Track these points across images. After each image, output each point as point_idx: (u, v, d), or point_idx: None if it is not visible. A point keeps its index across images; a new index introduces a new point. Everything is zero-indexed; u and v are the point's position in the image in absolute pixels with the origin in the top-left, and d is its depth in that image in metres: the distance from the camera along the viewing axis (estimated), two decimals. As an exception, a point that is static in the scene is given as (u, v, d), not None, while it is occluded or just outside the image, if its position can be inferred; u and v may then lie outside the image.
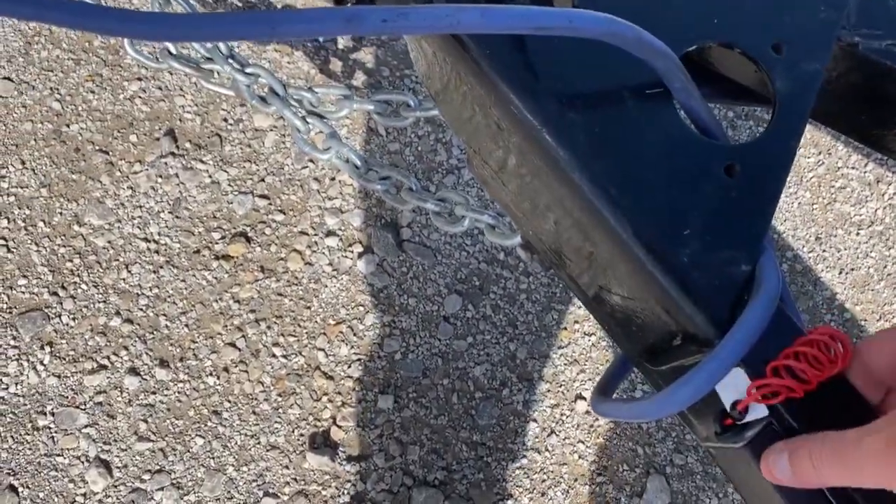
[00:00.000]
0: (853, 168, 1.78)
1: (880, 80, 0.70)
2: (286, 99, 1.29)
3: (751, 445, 0.59)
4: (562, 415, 1.53)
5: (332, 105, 1.28)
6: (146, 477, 1.40)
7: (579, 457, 1.51)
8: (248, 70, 1.26)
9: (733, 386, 0.58)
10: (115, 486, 1.39)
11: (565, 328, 1.58)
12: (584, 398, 1.54)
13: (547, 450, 1.51)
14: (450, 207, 1.18)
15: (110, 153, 1.56)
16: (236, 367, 1.48)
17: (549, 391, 1.54)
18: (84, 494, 1.38)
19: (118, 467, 1.40)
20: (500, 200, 0.85)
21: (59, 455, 1.40)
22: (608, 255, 0.65)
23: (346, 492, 1.43)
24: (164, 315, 1.49)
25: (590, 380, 1.56)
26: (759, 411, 0.57)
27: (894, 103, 0.73)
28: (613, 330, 0.78)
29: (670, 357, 0.68)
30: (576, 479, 1.50)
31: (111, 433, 1.42)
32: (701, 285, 0.57)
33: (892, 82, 0.71)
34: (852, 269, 1.73)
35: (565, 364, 1.56)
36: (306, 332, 1.52)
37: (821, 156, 1.78)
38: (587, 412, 1.54)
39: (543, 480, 1.49)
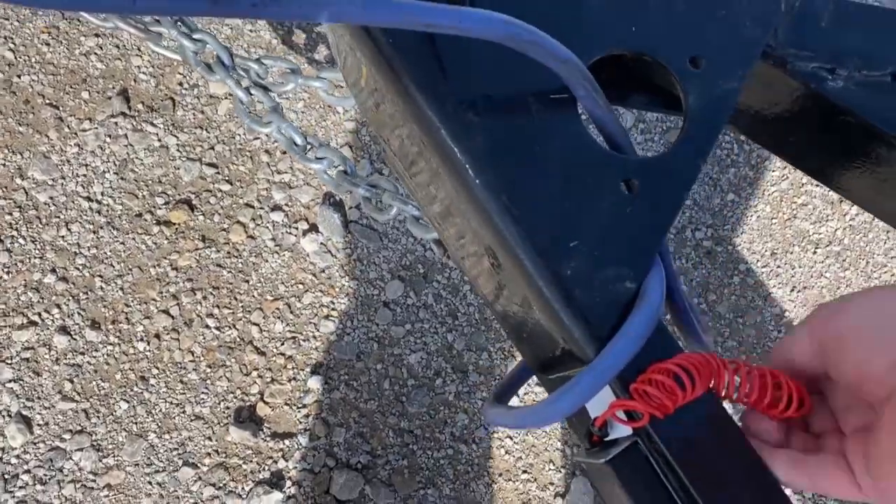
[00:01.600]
0: (817, 186, 1.73)
1: (810, 104, 0.66)
2: (232, 69, 1.25)
3: (612, 462, 0.57)
4: (492, 409, 1.51)
5: (279, 78, 1.24)
6: (66, 437, 1.39)
7: (506, 452, 1.49)
8: (196, 36, 1.22)
9: (602, 403, 0.56)
10: (35, 444, 1.38)
11: (505, 323, 1.55)
12: (517, 394, 1.51)
13: (474, 442, 1.49)
14: (380, 194, 1.15)
15: (60, 108, 1.52)
16: (168, 334, 1.45)
17: (482, 384, 1.52)
18: (2, 448, 1.37)
19: (39, 424, 1.39)
20: (412, 194, 0.82)
21: (-20, 408, 1.38)
22: (499, 262, 0.62)
23: (266, 468, 1.42)
24: (100, 276, 1.46)
25: (524, 377, 1.53)
26: (625, 430, 0.54)
27: (828, 131, 0.69)
28: (511, 335, 0.75)
29: (557, 367, 0.65)
30: (500, 474, 1.48)
31: (35, 390, 1.40)
32: (583, 300, 0.54)
33: (818, 106, 0.67)
34: (805, 288, 1.69)
35: (501, 359, 1.53)
36: (242, 306, 1.49)
37: (785, 170, 1.73)
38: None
39: (467, 472, 1.47)
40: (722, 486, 0.52)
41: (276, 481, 1.41)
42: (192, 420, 1.42)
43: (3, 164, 1.48)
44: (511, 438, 1.50)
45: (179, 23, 1.26)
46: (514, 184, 0.58)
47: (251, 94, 1.24)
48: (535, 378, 0.69)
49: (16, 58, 1.53)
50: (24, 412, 1.38)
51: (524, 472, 1.49)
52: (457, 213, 0.67)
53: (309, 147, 1.21)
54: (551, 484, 1.49)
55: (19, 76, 1.53)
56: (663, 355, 0.53)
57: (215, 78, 1.23)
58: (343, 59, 0.74)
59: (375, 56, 0.59)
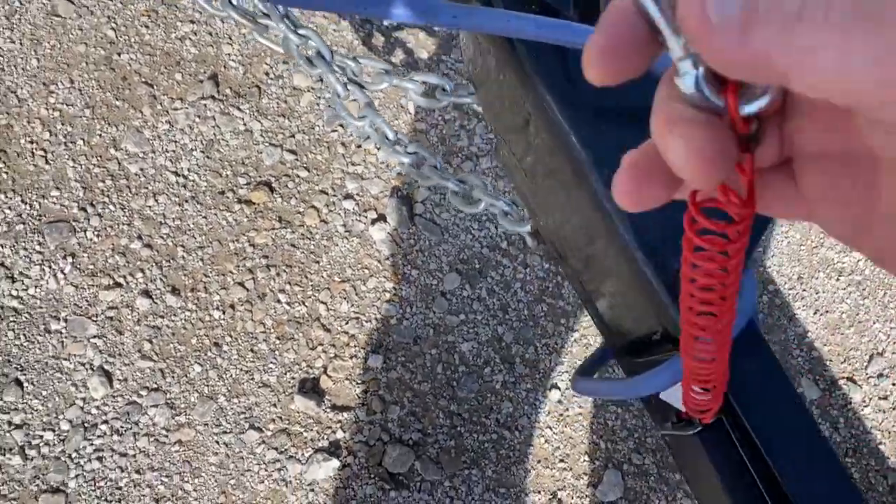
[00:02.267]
0: (845, 217, 1.85)
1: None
2: (331, 64, 1.35)
3: (700, 435, 0.68)
4: (536, 400, 1.61)
5: (371, 77, 1.34)
6: (143, 393, 1.48)
7: (545, 441, 1.60)
8: (301, 31, 1.32)
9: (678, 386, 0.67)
10: (114, 397, 1.47)
11: (552, 321, 1.65)
12: (559, 388, 1.62)
13: (517, 429, 1.59)
14: (468, 189, 1.25)
15: (154, 87, 1.62)
16: (242, 305, 1.55)
17: (527, 376, 1.62)
18: (84, 399, 1.45)
19: (119, 379, 1.48)
20: (519, 189, 0.92)
21: (65, 359, 1.47)
22: (610, 256, 0.73)
23: (325, 437, 1.51)
24: (182, 246, 1.56)
25: (566, 372, 1.64)
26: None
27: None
28: (602, 323, 0.86)
29: (648, 351, 0.76)
30: (539, 461, 1.58)
31: (117, 347, 1.49)
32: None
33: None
34: (826, 312, 1.81)
35: (546, 353, 1.64)
36: (312, 285, 1.59)
37: (817, 201, 1.85)
38: (559, 401, 1.62)
39: (509, 457, 1.57)
40: (793, 460, 0.63)
41: (333, 450, 1.51)
42: (259, 387, 1.52)
43: (100, 135, 1.58)
44: (551, 429, 1.61)
45: (286, 18, 1.37)
46: None
47: (347, 90, 1.35)
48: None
49: (117, 36, 1.63)
50: (106, 367, 1.48)
51: (561, 461, 1.59)
52: (571, 211, 0.78)
53: (398, 142, 1.31)
54: (585, 474, 1.59)
55: (119, 54, 1.62)
56: (754, 346, 0.64)
57: (315, 72, 1.33)
58: (473, 54, 0.85)
59: (514, 62, 0.70)
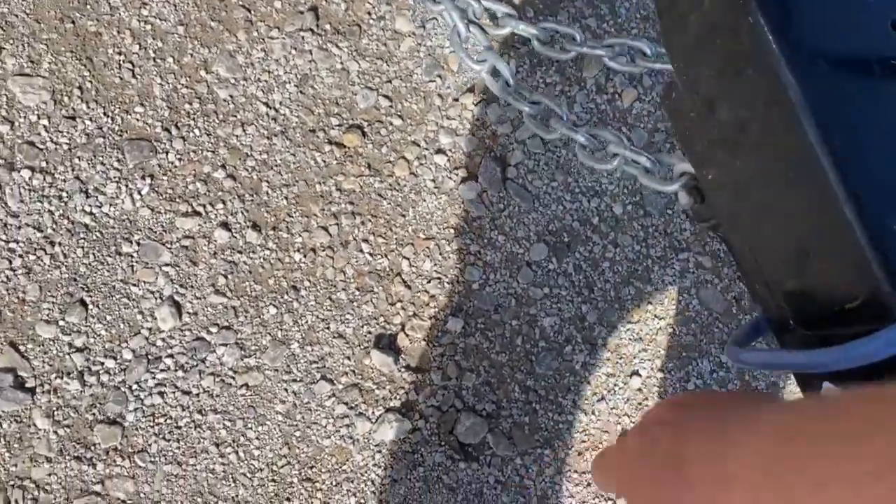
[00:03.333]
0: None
1: None
2: (455, 1, 1.26)
3: None
4: (615, 385, 1.53)
5: (493, 21, 1.25)
6: (213, 329, 1.38)
7: (622, 429, 1.51)
8: (431, -37, 1.23)
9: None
10: (182, 330, 1.37)
11: (638, 306, 1.57)
12: (640, 375, 1.54)
13: (594, 413, 1.50)
14: (602, 143, 1.16)
15: (252, 12, 1.53)
16: (324, 251, 1.45)
17: (608, 360, 1.53)
18: (150, 329, 1.36)
19: (189, 313, 1.38)
20: (689, 140, 0.83)
21: (134, 285, 1.37)
22: (808, 211, 0.64)
23: (398, 397, 1.42)
24: (267, 182, 1.46)
25: (649, 360, 1.55)
26: None
27: None
28: (766, 292, 0.77)
29: (832, 323, 0.67)
30: (612, 449, 1.50)
31: (190, 279, 1.39)
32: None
33: None
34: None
35: (630, 339, 1.55)
36: (396, 238, 1.50)
37: None
38: (639, 389, 1.53)
39: (583, 441, 1.49)
40: None
41: (405, 412, 1.42)
42: (334, 337, 1.42)
43: (191, 55, 1.48)
44: (629, 416, 1.52)
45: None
46: (851, 136, 0.60)
47: (469, 31, 1.26)
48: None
49: (217, -45, 1.53)
50: (177, 298, 1.38)
51: (635, 450, 1.51)
52: (768, 160, 0.69)
53: (520, 90, 1.22)
54: (658, 467, 1.51)
55: (219, -27, 1.53)
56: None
57: (438, 8, 1.24)
58: None
59: None
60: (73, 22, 1.44)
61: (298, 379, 1.39)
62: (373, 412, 1.40)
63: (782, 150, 0.64)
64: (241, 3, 1.52)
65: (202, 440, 1.34)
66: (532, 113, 1.26)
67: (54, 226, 1.35)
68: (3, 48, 1.40)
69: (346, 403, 1.40)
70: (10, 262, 1.32)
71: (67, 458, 1.28)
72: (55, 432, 1.28)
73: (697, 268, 1.61)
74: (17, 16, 1.42)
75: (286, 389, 1.38)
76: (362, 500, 1.38)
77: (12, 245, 1.33)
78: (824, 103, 0.60)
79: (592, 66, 1.64)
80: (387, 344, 1.44)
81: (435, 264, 1.50)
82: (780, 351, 0.79)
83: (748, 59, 0.63)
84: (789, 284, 0.76)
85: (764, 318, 0.81)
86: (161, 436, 1.32)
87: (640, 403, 1.53)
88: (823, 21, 0.61)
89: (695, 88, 0.79)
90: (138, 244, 1.38)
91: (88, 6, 1.46)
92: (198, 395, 1.35)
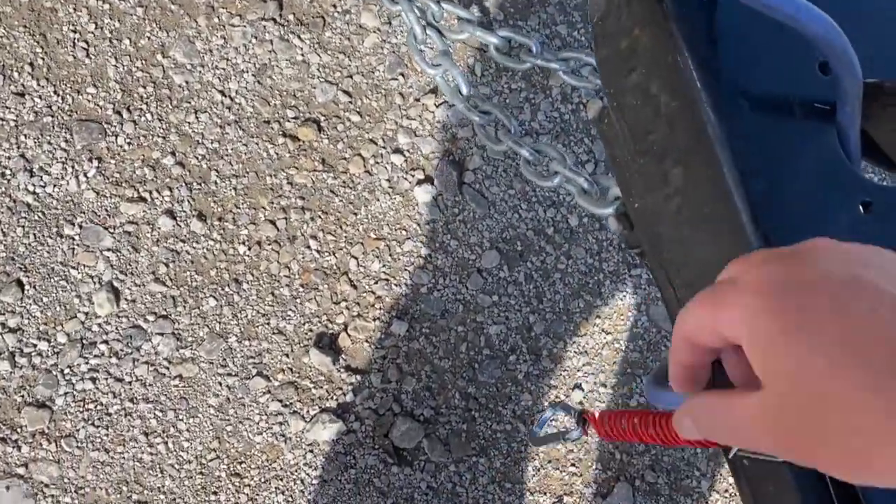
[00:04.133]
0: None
1: None
2: (413, 2, 1.24)
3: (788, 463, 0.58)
4: (557, 397, 1.51)
5: (451, 25, 1.23)
6: (150, 318, 1.36)
7: (560, 442, 1.50)
8: (389, -38, 1.20)
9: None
10: (118, 317, 1.35)
11: (587, 319, 1.55)
12: (583, 388, 1.52)
13: (533, 424, 1.49)
14: (545, 160, 1.14)
15: (214, -3, 1.50)
16: (270, 245, 1.43)
17: (552, 371, 1.52)
18: (87, 313, 1.34)
19: (127, 300, 1.36)
20: (619, 165, 0.81)
21: (74, 268, 1.35)
22: (721, 245, 0.62)
23: (334, 398, 1.41)
24: (217, 171, 1.44)
25: (593, 374, 1.54)
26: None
27: None
28: None
29: None
30: (549, 461, 1.49)
31: (130, 265, 1.37)
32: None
33: None
34: None
35: (575, 352, 1.54)
36: (345, 237, 1.48)
37: None
38: (580, 402, 1.52)
39: (519, 451, 1.48)
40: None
41: (341, 413, 1.40)
42: (274, 333, 1.41)
43: (148, 38, 1.45)
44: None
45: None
46: (764, 178, 0.58)
47: (426, 34, 1.23)
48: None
49: (183, -64, 1.50)
50: (116, 284, 1.36)
51: (572, 465, 1.50)
52: (686, 195, 0.67)
53: (471, 98, 1.20)
54: (595, 482, 1.50)
55: (183, -45, 1.49)
56: None
57: (396, 8, 1.21)
58: (605, 6, 0.74)
59: (659, 23, 0.59)
60: (29, -4, 1.41)
61: (234, 373, 1.37)
62: (308, 411, 1.39)
63: (700, 185, 0.62)
64: (203, -13, 1.49)
65: (132, 429, 1.32)
66: (482, 123, 1.24)
67: (-5, 203, 1.33)
68: (-45, 19, 1.37)
69: (280, 401, 1.38)
70: (-53, 238, 1.30)
71: (-8, 438, 1.26)
72: (-19, 412, 1.27)
73: (649, 284, 1.59)
74: (-29, -14, 1.39)
75: (220, 383, 1.37)
76: (290, 499, 1.36)
77: (-50, 220, 1.31)
78: (743, 142, 0.58)
79: (558, 76, 1.61)
80: (327, 343, 1.43)
81: (384, 265, 1.48)
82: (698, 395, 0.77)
83: (672, 91, 0.61)
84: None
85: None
86: (90, 422, 1.31)
87: (580, 418, 1.52)
88: (751, 61, 0.59)
89: (622, 115, 0.76)
90: (81, 227, 1.36)
91: (46, -19, 1.43)
92: (130, 383, 1.33)
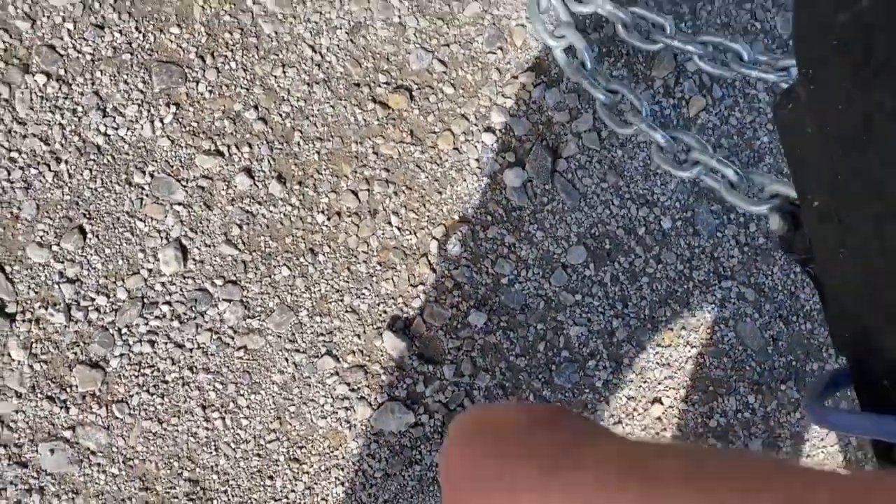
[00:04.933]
0: None
1: None
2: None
3: None
4: (635, 409, 1.41)
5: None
6: (218, 282, 1.25)
7: (634, 456, 1.40)
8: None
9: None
10: (184, 277, 1.24)
11: (671, 329, 1.45)
12: (662, 403, 1.42)
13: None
14: (684, 148, 1.03)
15: (312, -55, 1.38)
16: (350, 217, 1.33)
17: (632, 381, 1.42)
18: (150, 270, 1.23)
19: (195, 260, 1.25)
20: (800, 158, 0.70)
21: (141, 220, 1.24)
22: None
23: (404, 386, 1.30)
24: (301, 132, 1.33)
25: (674, 388, 1.44)
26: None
27: None
28: (860, 342, 0.65)
29: None
30: (621, 476, 1.38)
31: (201, 223, 1.26)
32: None
33: None
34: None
35: (658, 363, 1.44)
36: (428, 216, 1.37)
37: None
38: (659, 418, 1.42)
39: (592, 463, 1.37)
40: None
41: (410, 403, 1.30)
42: (347, 311, 1.30)
43: (240, -20, 1.34)
44: (643, 444, 1.41)
45: None
46: None
47: (550, 3, 1.12)
48: None
49: None
50: (184, 241, 1.25)
51: None
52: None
53: (596, 75, 1.09)
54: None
55: None
56: None
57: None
58: None
59: None
60: (116, -78, 1.30)
61: (302, 350, 1.27)
62: (376, 398, 1.28)
63: None
64: (302, -67, 1.38)
65: (189, 400, 1.21)
66: (606, 102, 1.12)
67: (63, 141, 1.22)
68: (36, -62, 1.26)
69: (348, 384, 1.28)
70: (9, 173, 1.19)
71: (39, 396, 1.16)
72: (30, 366, 1.16)
73: (739, 299, 1.49)
74: None
75: (287, 359, 1.26)
76: (350, 491, 1.26)
77: (13, 154, 1.19)
78: None
79: (664, 66, 1.50)
80: (401, 327, 1.32)
81: (465, 250, 1.38)
82: (882, 417, 0.67)
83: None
84: (894, 340, 0.64)
85: (845, 372, 0.69)
86: (145, 388, 1.20)
87: (657, 433, 1.41)
88: None
89: (824, 98, 0.65)
90: (152, 176, 1.25)
91: None
92: (191, 350, 1.22)
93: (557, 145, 1.44)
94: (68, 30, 1.24)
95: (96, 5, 1.27)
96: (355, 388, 1.28)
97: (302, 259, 1.29)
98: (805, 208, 0.73)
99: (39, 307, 1.17)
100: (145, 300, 1.22)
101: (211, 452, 1.22)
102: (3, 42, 1.21)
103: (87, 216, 1.21)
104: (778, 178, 0.89)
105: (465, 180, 1.39)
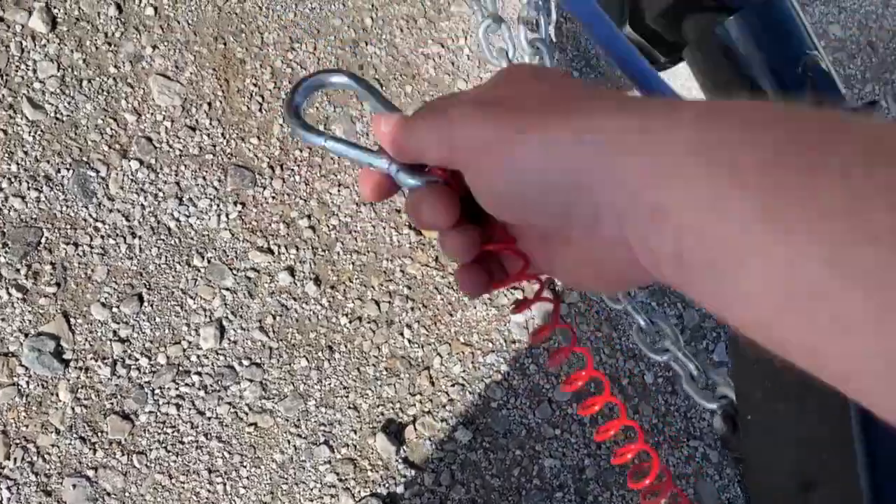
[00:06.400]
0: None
1: None
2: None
3: None
4: (590, 544, 1.53)
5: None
6: (245, 363, 1.42)
7: (583, 589, 1.51)
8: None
9: None
10: (217, 353, 1.41)
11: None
12: (617, 544, 1.54)
13: None
14: (659, 334, 1.19)
15: (384, 88, 1.60)
16: (369, 323, 1.50)
17: (592, 517, 1.54)
18: (190, 343, 1.40)
19: (230, 339, 1.42)
20: (744, 381, 0.87)
21: (192, 297, 1.42)
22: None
23: (386, 485, 1.44)
24: (342, 243, 1.52)
25: (630, 532, 1.55)
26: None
27: None
28: None
29: None
30: None
31: (242, 309, 1.44)
32: None
33: None
34: None
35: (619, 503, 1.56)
36: (437, 334, 1.53)
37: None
38: (611, 557, 1.53)
39: (542, 588, 1.49)
40: None
41: (388, 502, 1.43)
42: (349, 407, 1.45)
43: (317, 108, 1.56)
44: (593, 579, 1.52)
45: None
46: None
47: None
48: None
49: (372, 27, 1.62)
50: (224, 322, 1.43)
51: None
52: (813, 424, 0.72)
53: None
54: None
55: (366, 43, 1.61)
56: None
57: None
58: None
59: None
60: (224, 44, 1.53)
61: (304, 436, 1.42)
62: (359, 491, 1.42)
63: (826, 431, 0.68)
64: (377, 76, 1.60)
65: (198, 462, 1.37)
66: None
67: (141, 219, 1.42)
68: (157, 47, 1.49)
69: (337, 474, 1.42)
70: (91, 240, 1.39)
71: (74, 435, 1.32)
72: (72, 408, 1.32)
73: (703, 459, 1.62)
74: (178, 22, 1.51)
75: (289, 442, 1.41)
76: (321, 572, 1.39)
77: (98, 224, 1.39)
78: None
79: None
80: (394, 431, 1.47)
81: (464, 370, 1.53)
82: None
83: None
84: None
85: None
86: (164, 445, 1.36)
87: (607, 571, 1.53)
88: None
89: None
90: (209, 261, 1.44)
91: (244, 35, 1.55)
92: (210, 418, 1.38)
93: (563, 291, 1.61)
94: (166, 127, 1.46)
95: (193, 110, 1.49)
96: (343, 478, 1.42)
97: (321, 354, 1.46)
98: (741, 417, 0.90)
99: (91, 358, 1.35)
100: (180, 368, 1.39)
101: (207, 513, 1.36)
102: (112, 129, 1.43)
103: (148, 287, 1.40)
104: (729, 382, 1.05)
105: (475, 307, 1.56)
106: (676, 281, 0.28)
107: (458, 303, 1.55)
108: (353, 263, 1.51)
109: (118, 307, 1.38)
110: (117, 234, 1.40)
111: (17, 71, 1.39)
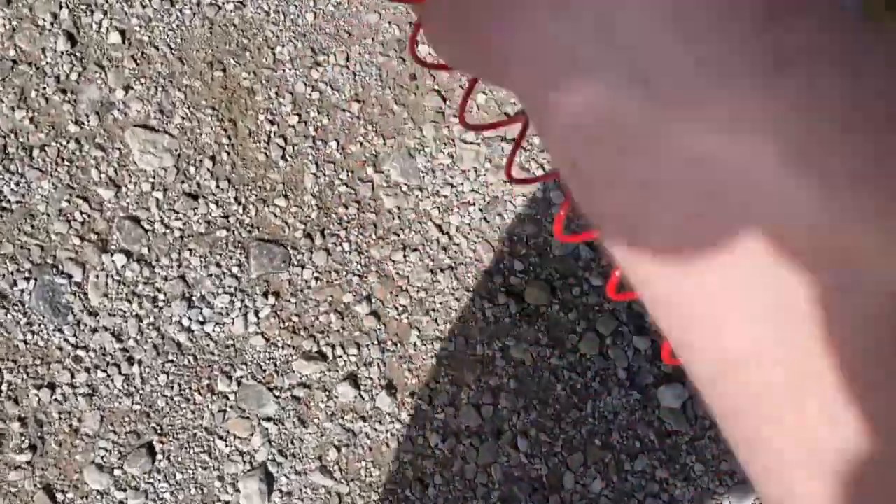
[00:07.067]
0: None
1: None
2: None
3: None
4: None
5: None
6: (307, 521, 1.01)
7: None
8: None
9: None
10: (267, 513, 1.00)
11: None
12: None
13: None
14: None
15: (448, 102, 1.15)
16: (469, 438, 1.07)
17: None
18: (226, 503, 0.99)
19: (281, 491, 1.01)
20: None
21: (222, 438, 1.00)
22: None
23: None
24: (418, 330, 1.08)
25: None
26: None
27: None
28: None
29: None
30: None
31: (293, 443, 1.02)
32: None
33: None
34: None
35: None
36: (563, 439, 1.10)
37: None
38: None
39: None
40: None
41: None
42: (459, 564, 1.03)
43: (361, 143, 1.11)
44: None
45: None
46: None
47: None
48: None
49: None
50: (271, 467, 1.01)
51: None
52: None
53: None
54: None
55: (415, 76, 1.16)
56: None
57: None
58: None
59: None
60: (223, 70, 1.09)
61: None
62: None
63: None
64: (436, 86, 1.15)
65: None
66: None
67: (139, 337, 1.00)
68: (132, 87, 1.06)
69: None
70: (73, 375, 0.97)
71: None
72: None
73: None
74: (157, 48, 1.08)
75: None
76: None
77: (80, 353, 0.98)
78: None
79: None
80: (525, 588, 1.05)
81: (607, 485, 1.10)
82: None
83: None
84: None
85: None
86: None
87: None
88: None
89: None
90: (239, 383, 1.02)
91: (248, 53, 1.10)
92: None
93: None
94: (156, 199, 1.04)
95: (191, 170, 1.06)
96: None
97: (408, 492, 1.04)
98: None
99: (92, 547, 0.95)
100: (218, 541, 0.98)
101: None
102: (82, 213, 1.01)
103: (159, 432, 0.99)
104: None
105: (609, 394, 1.12)
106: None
107: (587, 390, 1.11)
108: (435, 356, 1.08)
109: (121, 468, 0.97)
110: (108, 363, 0.98)
111: (-65, 150, 0.97)
